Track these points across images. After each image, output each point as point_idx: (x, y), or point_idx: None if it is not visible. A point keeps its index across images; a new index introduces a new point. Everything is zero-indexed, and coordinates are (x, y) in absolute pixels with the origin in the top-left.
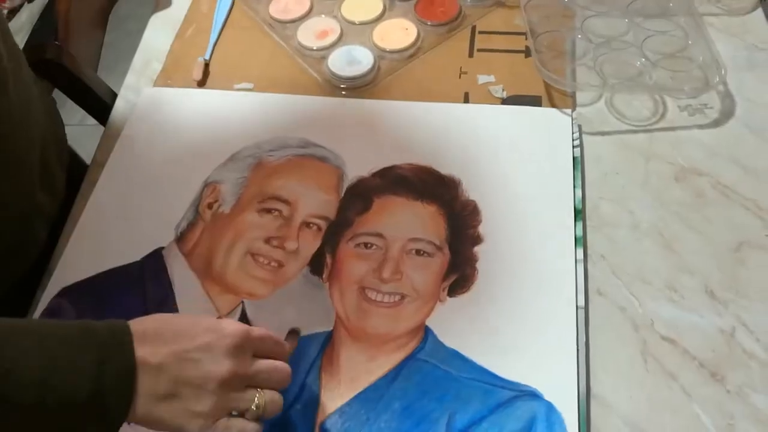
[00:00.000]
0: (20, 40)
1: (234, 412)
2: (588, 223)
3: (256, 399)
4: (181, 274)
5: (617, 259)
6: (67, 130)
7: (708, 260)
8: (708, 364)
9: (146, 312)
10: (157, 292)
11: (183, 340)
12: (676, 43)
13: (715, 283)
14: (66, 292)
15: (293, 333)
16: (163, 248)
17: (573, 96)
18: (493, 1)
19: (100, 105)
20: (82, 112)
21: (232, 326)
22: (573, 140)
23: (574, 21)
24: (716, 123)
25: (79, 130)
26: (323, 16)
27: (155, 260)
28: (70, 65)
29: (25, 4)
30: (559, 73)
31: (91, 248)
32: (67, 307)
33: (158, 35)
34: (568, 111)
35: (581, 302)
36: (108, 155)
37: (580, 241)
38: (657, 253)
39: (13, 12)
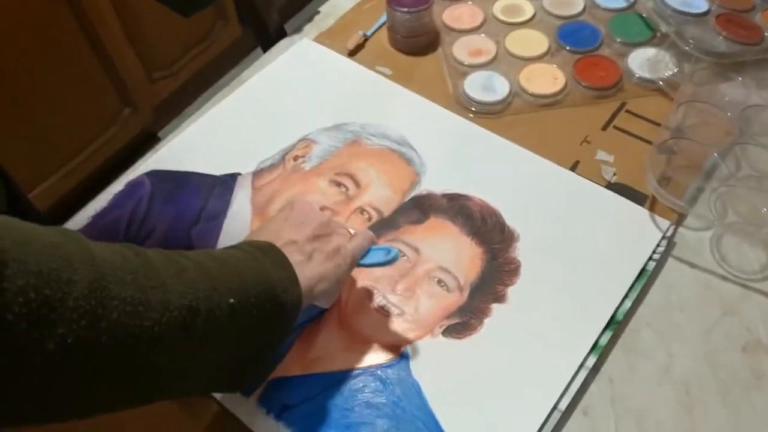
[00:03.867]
0: None
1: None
2: (619, 341)
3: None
4: (240, 202)
5: (624, 390)
6: None
7: None
8: None
9: (198, 217)
10: (214, 206)
11: (284, 221)
12: None
13: None
14: (152, 174)
15: None
16: (240, 174)
17: (678, 217)
18: (656, 87)
19: (273, 42)
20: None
21: (294, 201)
22: (654, 250)
23: (729, 141)
24: None
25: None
26: (484, 35)
27: (229, 181)
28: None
29: None
30: (678, 188)
31: (191, 149)
32: (147, 185)
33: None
34: (666, 224)
35: (563, 406)
36: (247, 76)
37: (598, 350)
38: (670, 408)
39: None
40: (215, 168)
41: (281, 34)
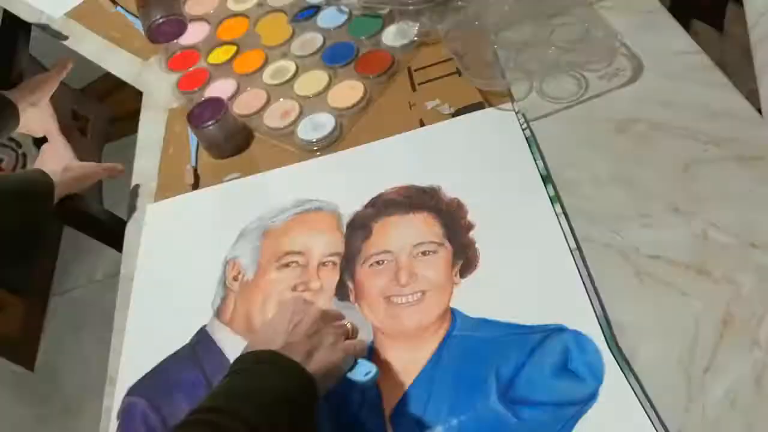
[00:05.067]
0: None
1: None
2: (559, 188)
3: (348, 325)
4: (228, 340)
5: (591, 207)
6: (81, 291)
7: (665, 184)
8: (693, 264)
9: (209, 384)
10: (212, 362)
11: (281, 325)
12: (577, 30)
13: (677, 200)
14: (134, 390)
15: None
16: (206, 326)
17: (509, 94)
18: (417, 42)
19: (113, 233)
20: (87, 273)
21: (289, 297)
22: (521, 125)
23: (489, 37)
24: (632, 79)
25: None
26: (281, 99)
27: (203, 336)
28: (78, 205)
29: None
30: (489, 79)
31: (144, 349)
32: (139, 401)
33: (146, 161)
34: (509, 105)
35: (573, 245)
36: (132, 270)
37: (555, 199)
38: (622, 194)
39: None
40: (179, 342)
41: (120, 223)
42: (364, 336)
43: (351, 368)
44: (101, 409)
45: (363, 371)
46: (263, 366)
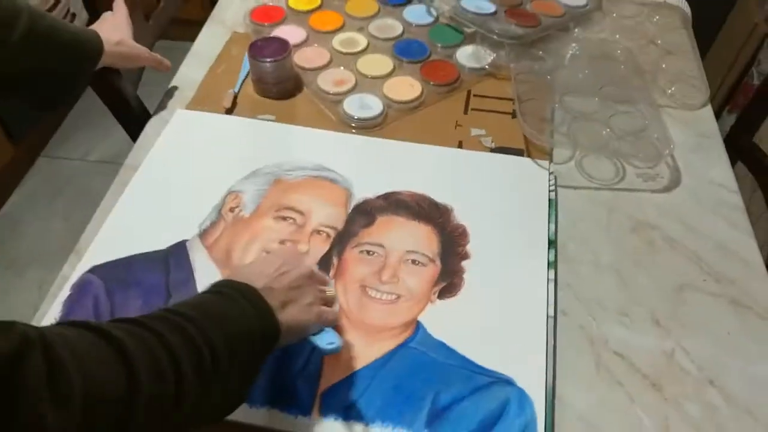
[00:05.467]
0: None
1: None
2: (559, 257)
3: (329, 293)
4: (202, 262)
5: (580, 287)
6: (69, 164)
7: (655, 296)
8: (650, 376)
9: (167, 293)
10: (178, 275)
11: (268, 269)
12: (636, 123)
13: (660, 314)
14: (97, 270)
15: None
16: (187, 240)
17: (550, 153)
18: (487, 72)
19: (135, 120)
20: (85, 147)
21: (287, 246)
22: (549, 185)
23: (554, 95)
24: (666, 189)
25: (80, 165)
26: (341, 68)
27: (179, 249)
28: (116, 80)
29: None
30: (539, 133)
31: (121, 236)
32: (97, 281)
33: (192, 71)
34: (546, 163)
35: (551, 312)
36: (139, 162)
37: (552, 265)
38: (613, 287)
39: None
40: (155, 245)
41: (145, 114)
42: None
43: (316, 333)
44: (44, 279)
45: (327, 339)
46: (243, 301)
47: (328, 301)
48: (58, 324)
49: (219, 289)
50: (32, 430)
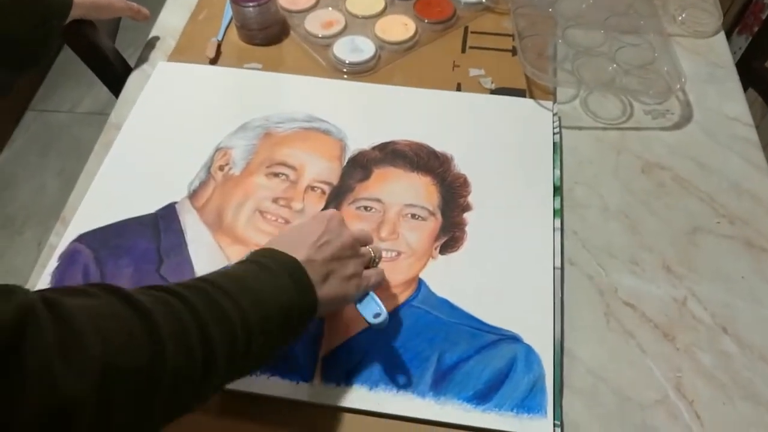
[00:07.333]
0: None
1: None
2: (565, 204)
3: (371, 252)
4: (193, 225)
5: (587, 234)
6: (57, 117)
7: (666, 241)
8: (661, 326)
9: (159, 258)
10: (169, 239)
11: (310, 237)
12: (644, 56)
13: (671, 260)
14: (84, 238)
15: None
16: (176, 202)
17: (553, 93)
18: (484, 6)
19: (115, 74)
20: (72, 100)
21: (329, 211)
22: (554, 128)
23: (556, 29)
24: (677, 126)
25: (69, 117)
26: (329, 8)
27: (169, 212)
28: (90, 33)
29: None
30: (541, 71)
31: (107, 201)
32: (85, 250)
33: (172, 17)
34: (549, 104)
35: (558, 264)
36: (123, 119)
37: (558, 213)
38: (622, 232)
39: None
40: (143, 209)
41: (125, 67)
42: None
43: (359, 300)
44: (42, 237)
45: (372, 310)
46: (285, 277)
47: (371, 263)
48: (83, 285)
49: (260, 260)
50: (44, 393)
